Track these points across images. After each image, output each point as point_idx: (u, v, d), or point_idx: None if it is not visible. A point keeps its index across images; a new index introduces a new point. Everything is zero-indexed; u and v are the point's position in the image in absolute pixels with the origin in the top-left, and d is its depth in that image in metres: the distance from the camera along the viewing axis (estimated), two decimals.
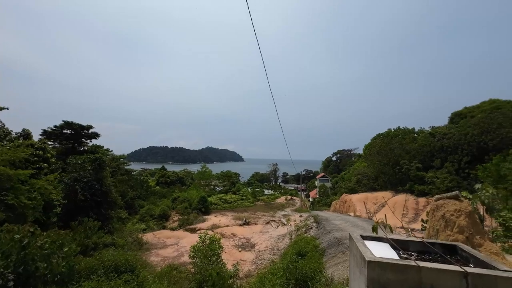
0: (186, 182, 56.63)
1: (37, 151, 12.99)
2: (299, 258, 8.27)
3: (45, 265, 4.61)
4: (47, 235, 5.27)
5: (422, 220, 13.69)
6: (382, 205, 23.37)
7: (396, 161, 28.04)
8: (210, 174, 53.80)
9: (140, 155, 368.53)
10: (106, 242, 17.33)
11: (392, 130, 37.33)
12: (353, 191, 31.61)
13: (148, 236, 22.57)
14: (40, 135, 35.45)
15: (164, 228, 27.24)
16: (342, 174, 59.14)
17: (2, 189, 8.22)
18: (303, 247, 8.68)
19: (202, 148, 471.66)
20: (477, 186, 8.88)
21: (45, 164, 13.46)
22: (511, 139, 24.31)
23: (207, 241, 10.98)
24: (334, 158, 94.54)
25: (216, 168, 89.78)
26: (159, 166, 59.99)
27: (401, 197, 25.66)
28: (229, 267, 13.26)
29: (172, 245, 20.07)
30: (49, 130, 35.80)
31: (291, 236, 16.53)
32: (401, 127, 38.12)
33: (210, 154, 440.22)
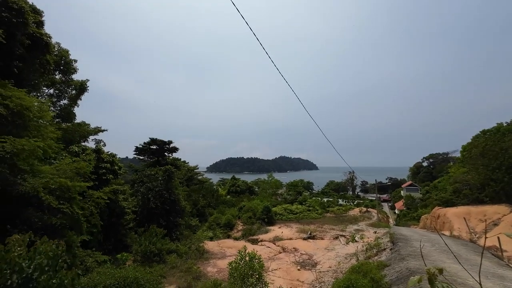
0: (256, 191, 57.35)
1: (105, 164, 14.86)
2: None
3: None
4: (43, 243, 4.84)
5: None
6: (494, 223, 17.09)
7: (511, 165, 20.42)
8: (277, 183, 52.69)
9: (220, 166, 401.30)
10: (170, 249, 18.37)
11: (504, 124, 27.83)
12: (449, 203, 24.77)
13: (211, 245, 23.05)
14: (134, 151, 42.46)
15: (228, 237, 27.57)
16: (435, 182, 48.75)
17: (63, 199, 9.26)
18: (355, 281, 6.49)
19: (275, 158, 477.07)
20: None
21: (110, 176, 15.18)
22: None
23: (247, 258, 9.84)
24: (425, 164, 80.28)
25: (290, 177, 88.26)
26: (237, 176, 62.61)
27: None
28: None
29: (231, 256, 19.70)
30: (140, 146, 42.40)
31: (358, 258, 13.63)
32: None
33: (283, 163, 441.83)
